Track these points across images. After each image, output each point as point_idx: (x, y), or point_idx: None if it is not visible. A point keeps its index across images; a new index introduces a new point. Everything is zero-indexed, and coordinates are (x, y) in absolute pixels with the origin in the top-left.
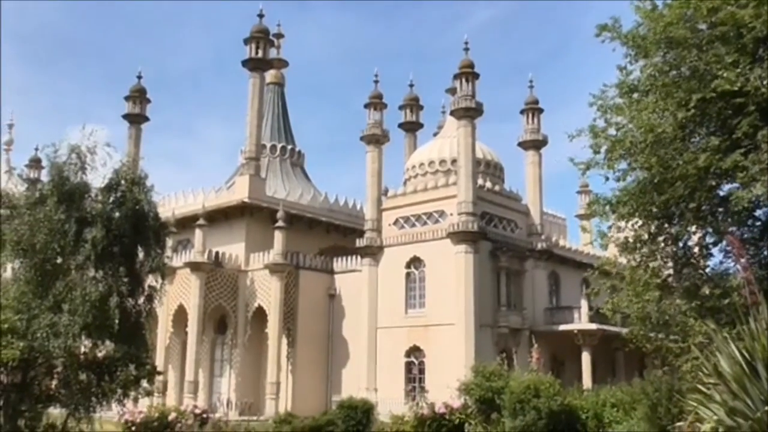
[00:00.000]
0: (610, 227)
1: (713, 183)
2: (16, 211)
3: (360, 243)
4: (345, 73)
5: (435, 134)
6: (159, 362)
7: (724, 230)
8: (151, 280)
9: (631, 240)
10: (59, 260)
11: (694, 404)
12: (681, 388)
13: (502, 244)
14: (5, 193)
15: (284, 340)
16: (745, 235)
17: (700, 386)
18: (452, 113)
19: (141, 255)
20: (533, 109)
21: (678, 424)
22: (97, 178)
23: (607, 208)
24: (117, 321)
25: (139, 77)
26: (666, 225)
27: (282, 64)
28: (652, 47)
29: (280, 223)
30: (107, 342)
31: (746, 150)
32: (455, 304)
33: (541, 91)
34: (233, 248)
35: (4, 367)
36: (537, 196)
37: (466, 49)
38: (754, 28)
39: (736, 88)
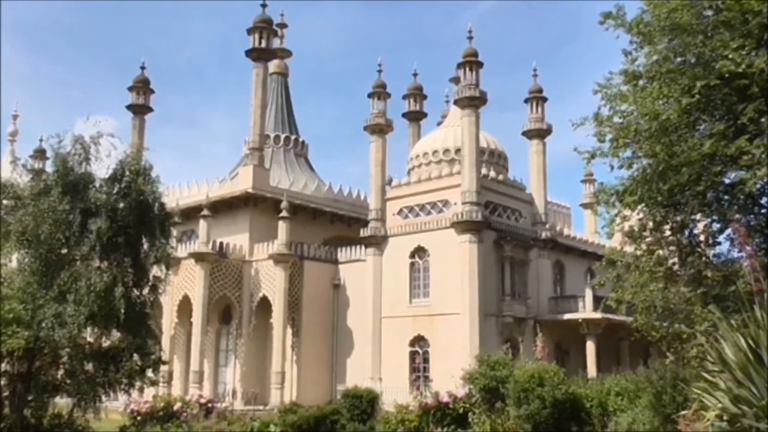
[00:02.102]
0: (616, 215)
1: (718, 169)
2: (21, 201)
3: (364, 233)
4: (349, 63)
5: (439, 124)
6: (164, 352)
7: (729, 218)
8: (155, 271)
9: (636, 229)
10: (64, 251)
11: (699, 392)
12: (686, 377)
13: (506, 233)
14: (10, 184)
15: (289, 330)
16: (751, 223)
17: (704, 374)
18: (456, 102)
19: (146, 245)
20: (537, 98)
21: (683, 412)
22: (101, 169)
23: (614, 197)
24: (122, 311)
25: (143, 68)
26: (671, 213)
27: (285, 54)
28: (657, 34)
29: (284, 214)
30: (113, 332)
31: (751, 136)
32: (460, 293)
33: (545, 80)
34: (237, 239)
35: (10, 356)
36: (541, 186)
37: (470, 38)
38: (760, 13)
39: (740, 70)
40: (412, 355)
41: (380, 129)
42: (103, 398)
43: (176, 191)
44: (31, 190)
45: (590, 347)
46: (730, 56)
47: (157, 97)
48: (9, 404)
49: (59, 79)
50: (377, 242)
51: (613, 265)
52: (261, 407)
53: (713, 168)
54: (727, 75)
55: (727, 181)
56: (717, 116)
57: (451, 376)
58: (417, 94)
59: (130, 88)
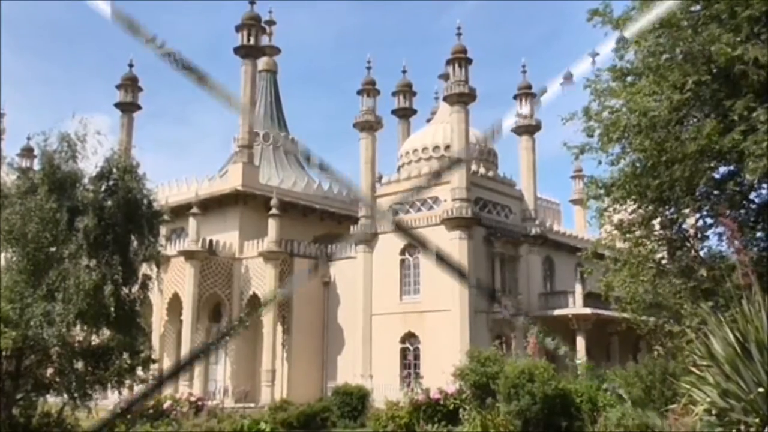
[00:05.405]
0: (605, 209)
1: (710, 165)
2: (8, 200)
3: (354, 230)
4: (338, 60)
5: (428, 120)
6: (154, 350)
7: (719, 213)
8: (145, 269)
9: (625, 223)
10: (52, 249)
11: (688, 387)
12: (674, 371)
13: (496, 229)
14: None
15: (279, 328)
16: (740, 218)
17: (693, 369)
18: (445, 99)
19: (134, 243)
20: (526, 95)
21: (671, 406)
22: (89, 167)
23: (602, 191)
24: (112, 309)
25: (131, 65)
26: (661, 208)
27: (274, 51)
28: (647, 29)
29: (274, 211)
30: (102, 330)
31: (743, 131)
32: (450, 290)
33: (534, 76)
34: (227, 236)
35: None
36: (531, 182)
37: (459, 34)
38: (749, 6)
39: (735, 54)
40: (403, 352)
41: (370, 126)
42: (93, 397)
43: (165, 189)
44: (17, 189)
45: (580, 343)
46: (723, 40)
47: (146, 95)
48: None
49: (47, 77)
50: (367, 239)
51: (599, 258)
52: (251, 405)
53: (704, 164)
54: (722, 65)
55: (717, 176)
56: (706, 112)
57: (441, 373)
58: (406, 90)
59: (118, 86)
